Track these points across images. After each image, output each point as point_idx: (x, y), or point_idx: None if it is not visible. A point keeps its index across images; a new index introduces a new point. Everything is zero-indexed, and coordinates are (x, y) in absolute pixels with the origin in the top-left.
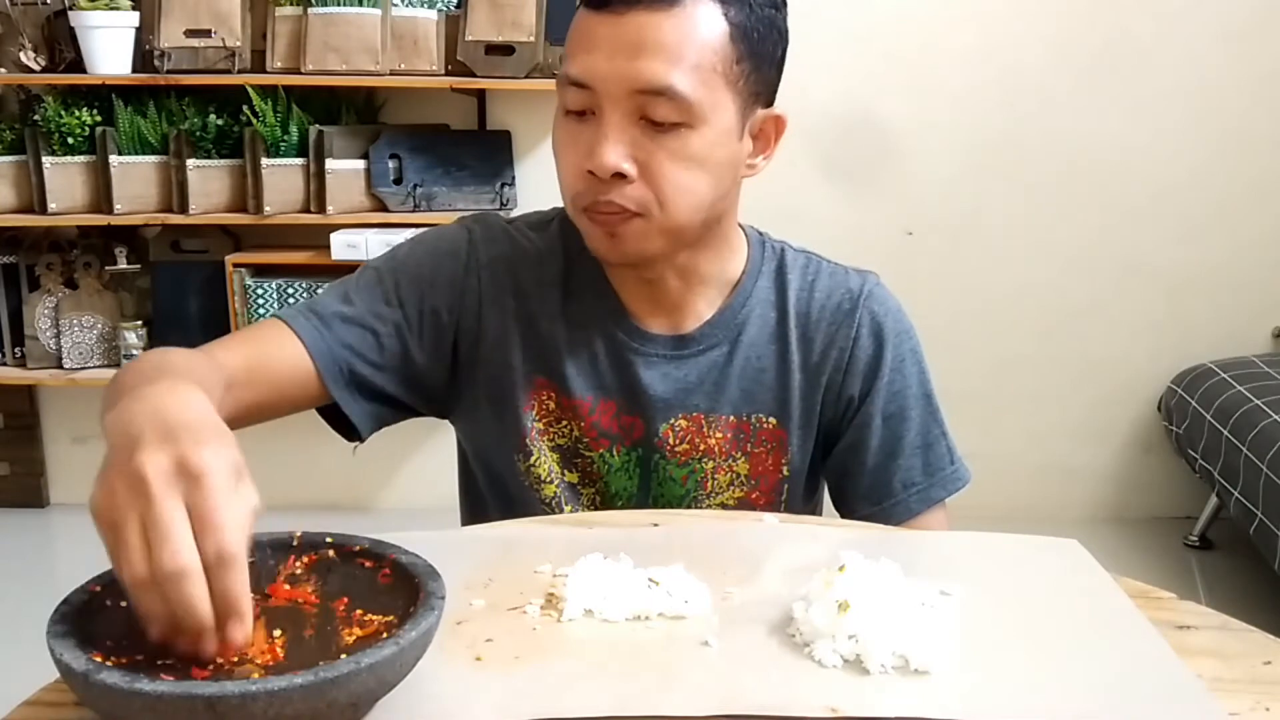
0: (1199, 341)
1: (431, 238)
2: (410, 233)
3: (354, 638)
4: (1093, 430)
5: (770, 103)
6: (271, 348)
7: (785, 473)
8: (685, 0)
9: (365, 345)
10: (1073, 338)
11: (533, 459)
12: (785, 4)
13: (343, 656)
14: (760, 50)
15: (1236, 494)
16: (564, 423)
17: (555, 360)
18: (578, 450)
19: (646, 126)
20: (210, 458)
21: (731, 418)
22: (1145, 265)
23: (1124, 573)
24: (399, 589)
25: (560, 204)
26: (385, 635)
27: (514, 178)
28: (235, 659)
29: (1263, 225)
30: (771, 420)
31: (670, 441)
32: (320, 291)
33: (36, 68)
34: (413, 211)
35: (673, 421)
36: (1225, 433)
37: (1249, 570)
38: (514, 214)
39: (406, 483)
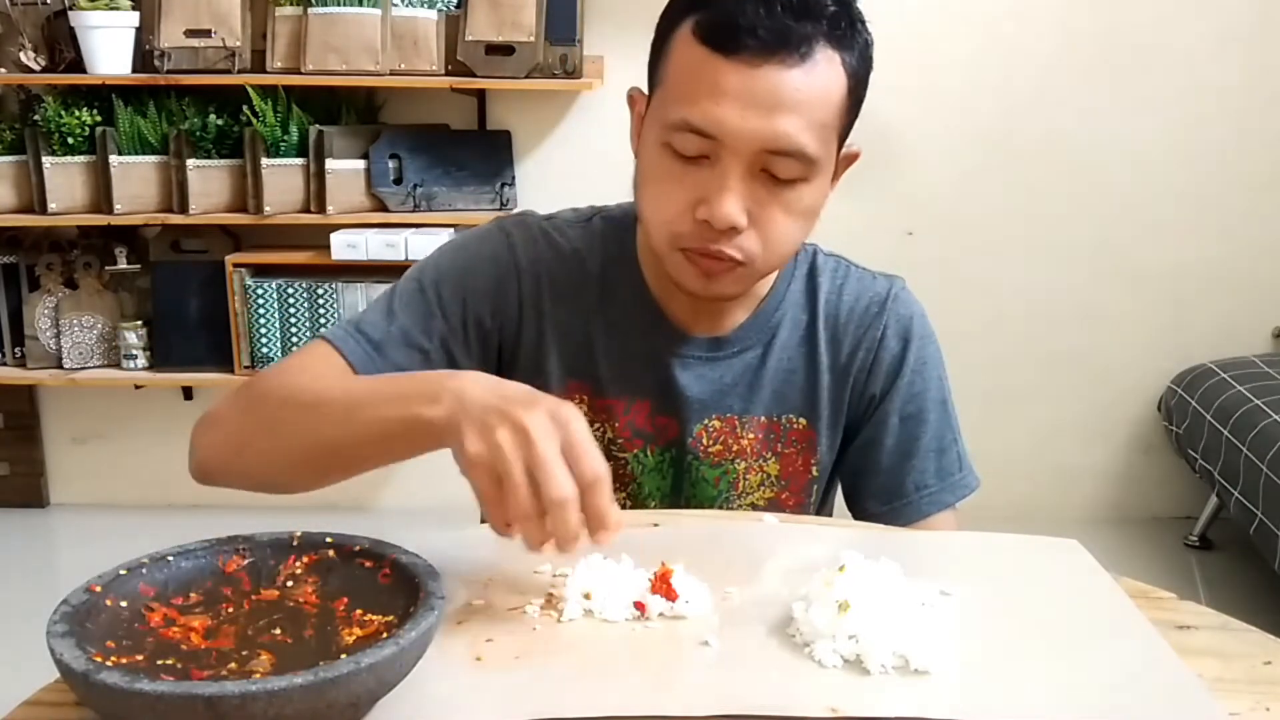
0: (1199, 341)
1: (471, 244)
2: (411, 232)
3: (354, 638)
4: (1093, 430)
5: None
6: (326, 373)
7: (814, 473)
8: (815, 54)
9: (413, 363)
10: (1073, 337)
11: None
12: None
13: (343, 656)
14: (862, 95)
15: (1236, 494)
16: (596, 425)
17: (590, 362)
18: (610, 453)
19: (766, 180)
20: (568, 407)
21: (763, 418)
22: (1145, 265)
23: (1124, 573)
24: (399, 589)
25: (597, 204)
26: (385, 635)
27: (514, 178)
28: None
29: (1263, 225)
30: (801, 421)
31: (704, 442)
32: (364, 308)
33: (36, 68)
34: (413, 211)
35: (707, 422)
36: (1225, 433)
37: (1249, 570)
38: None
39: (406, 483)
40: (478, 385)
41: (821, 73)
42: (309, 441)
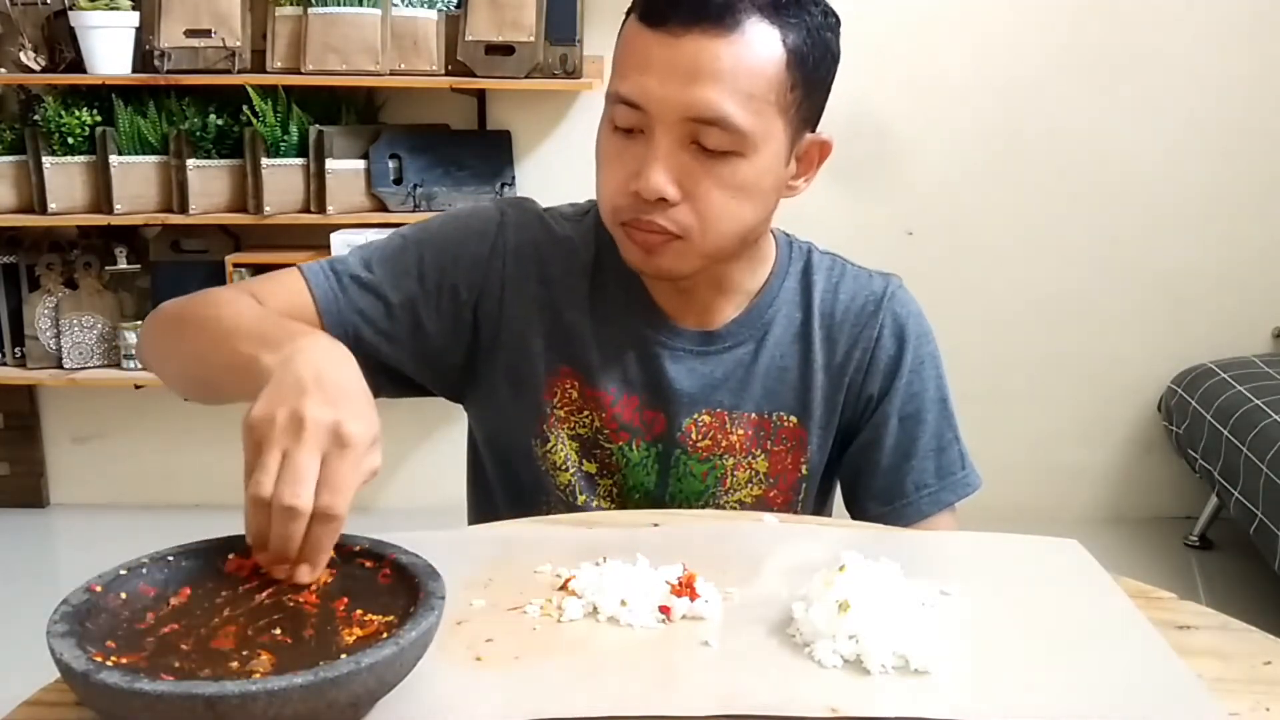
0: (1199, 341)
1: (464, 215)
2: None
3: (354, 638)
4: (1093, 430)
5: (816, 126)
6: (286, 299)
7: (804, 472)
8: (744, 25)
9: (376, 312)
10: (1073, 338)
11: (550, 445)
12: (839, 25)
13: (343, 656)
14: (813, 77)
15: (1236, 494)
16: (585, 413)
17: (580, 350)
18: (597, 441)
19: (696, 152)
20: (361, 432)
21: (753, 415)
22: (1145, 265)
23: (1124, 573)
24: (399, 589)
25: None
26: (385, 635)
27: (514, 178)
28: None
29: (1263, 225)
30: (792, 419)
31: (693, 437)
32: (348, 251)
33: (36, 68)
34: (413, 211)
35: (696, 417)
36: (1225, 433)
37: (1249, 570)
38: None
39: (406, 483)
40: (314, 358)
41: (751, 45)
42: (189, 358)
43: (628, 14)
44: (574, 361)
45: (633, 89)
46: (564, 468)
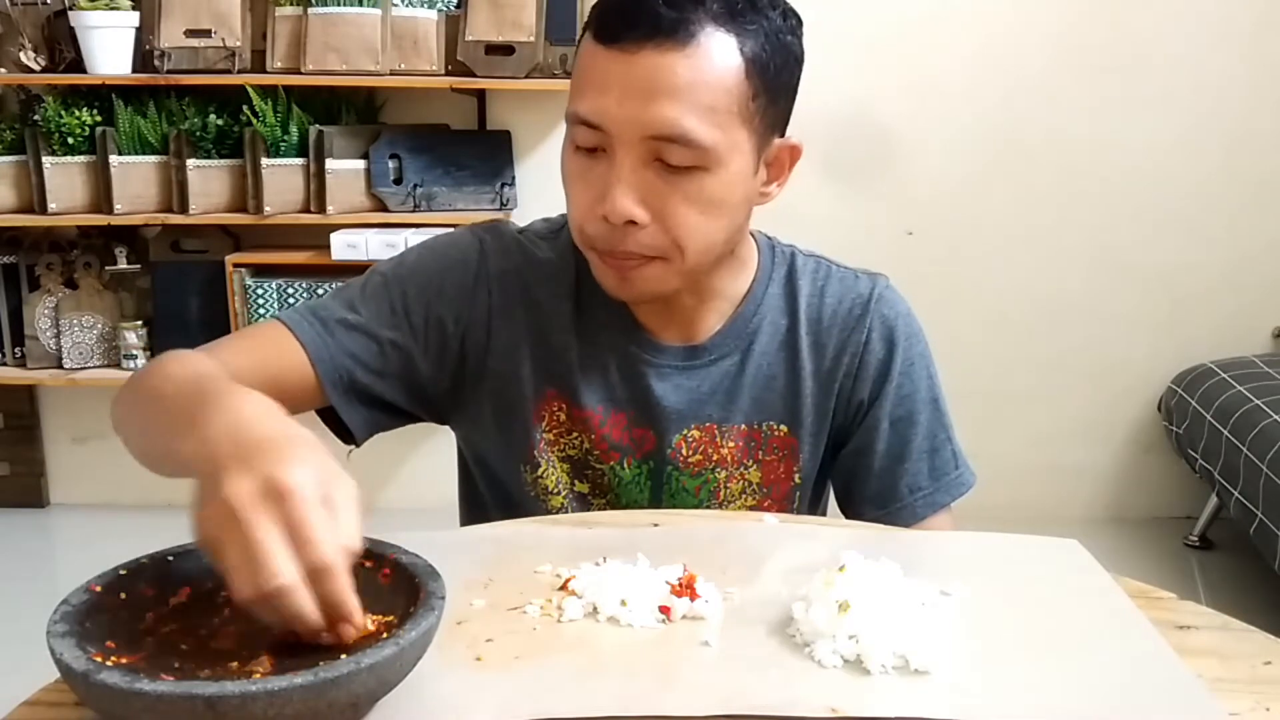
0: (1199, 341)
1: (442, 245)
2: (411, 232)
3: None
4: (1093, 430)
5: (784, 131)
6: (274, 351)
7: (797, 480)
8: (699, 37)
9: (368, 353)
10: (1073, 338)
11: (540, 470)
12: (801, 25)
13: (343, 656)
14: (776, 83)
15: (1236, 494)
16: (574, 434)
17: (566, 372)
18: (588, 462)
19: (661, 169)
20: (293, 473)
21: (743, 426)
22: (1146, 265)
23: (1124, 573)
24: (399, 589)
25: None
26: (385, 635)
27: (514, 178)
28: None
29: (1263, 225)
30: (783, 428)
31: (683, 453)
32: (324, 294)
33: (36, 68)
34: (413, 211)
35: (686, 432)
36: (1225, 433)
37: (1249, 570)
38: (515, 214)
39: (406, 483)
40: (231, 422)
41: (708, 57)
42: (140, 437)
43: (583, 32)
44: (560, 384)
45: (591, 109)
46: (555, 492)
